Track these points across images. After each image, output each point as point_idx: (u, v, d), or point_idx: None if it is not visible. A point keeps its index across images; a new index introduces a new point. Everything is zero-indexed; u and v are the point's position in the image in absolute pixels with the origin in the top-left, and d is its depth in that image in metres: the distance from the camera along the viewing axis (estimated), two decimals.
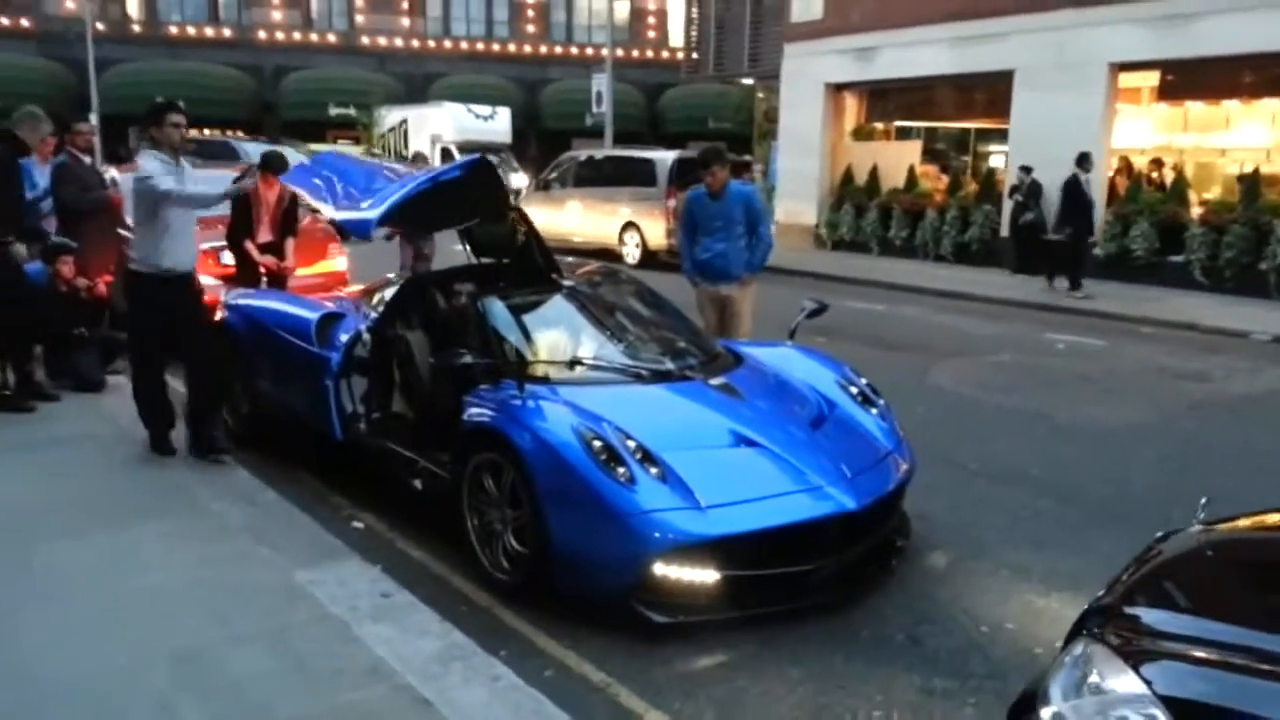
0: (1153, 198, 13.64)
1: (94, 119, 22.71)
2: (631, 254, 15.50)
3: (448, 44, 34.68)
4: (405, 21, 34.28)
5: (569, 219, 16.44)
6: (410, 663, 3.21)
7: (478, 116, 26.83)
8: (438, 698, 3.01)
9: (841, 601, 3.86)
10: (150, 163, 4.94)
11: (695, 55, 22.77)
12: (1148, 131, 14.89)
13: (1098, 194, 13.25)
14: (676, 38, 32.84)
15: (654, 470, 3.68)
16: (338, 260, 8.82)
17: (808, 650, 3.56)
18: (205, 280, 5.71)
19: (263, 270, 7.26)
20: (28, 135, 6.14)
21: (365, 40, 33.69)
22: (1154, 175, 14.42)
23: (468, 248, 5.71)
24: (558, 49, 35.78)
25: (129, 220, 7.65)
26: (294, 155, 15.43)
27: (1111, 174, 14.34)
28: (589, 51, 34.04)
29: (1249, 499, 3.08)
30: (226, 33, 32.71)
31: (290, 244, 7.43)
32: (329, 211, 5.11)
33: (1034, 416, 6.96)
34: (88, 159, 7.50)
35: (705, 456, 3.88)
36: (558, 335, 4.74)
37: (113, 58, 29.32)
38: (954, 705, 3.25)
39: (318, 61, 32.50)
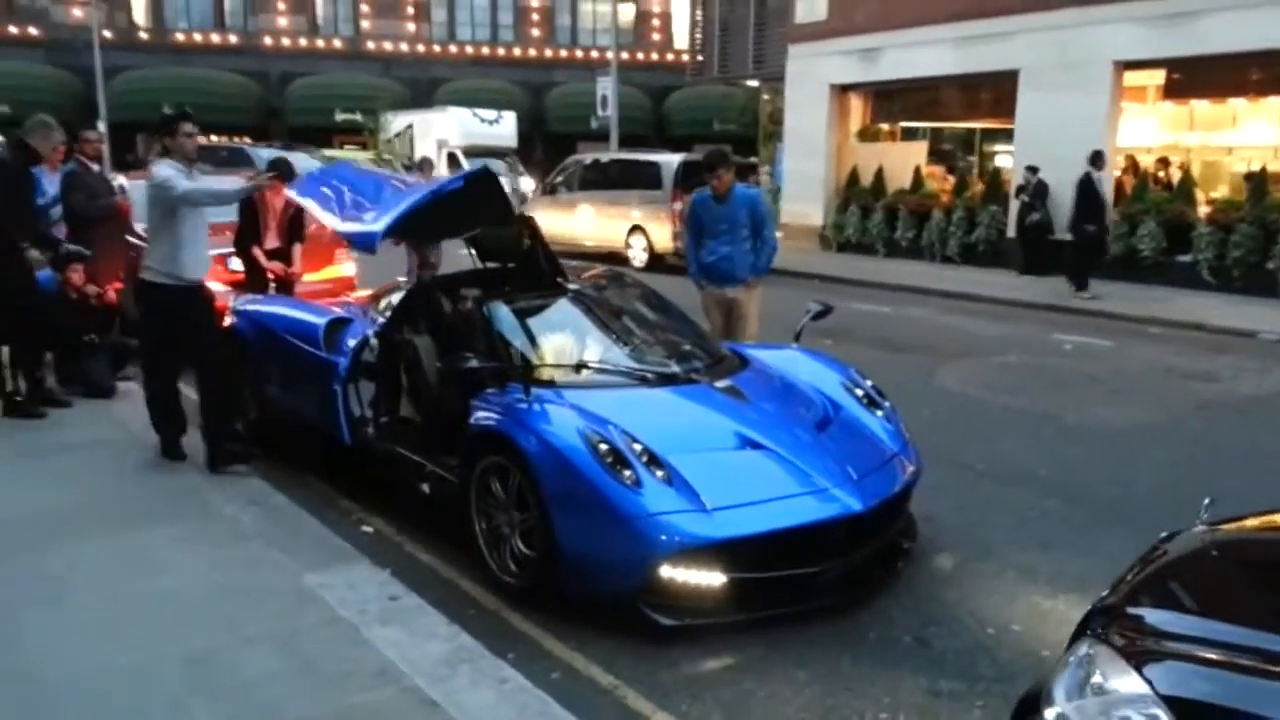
0: (1159, 197, 13.61)
1: (102, 126, 22.84)
2: (638, 257, 15.53)
3: (453, 49, 34.74)
4: (410, 26, 34.37)
5: (575, 222, 16.47)
6: (418, 665, 3.24)
7: (483, 121, 26.85)
8: (445, 699, 3.03)
9: (848, 604, 3.87)
10: (165, 169, 4.98)
11: (700, 57, 22.80)
12: (1154, 130, 14.86)
13: (1105, 193, 13.22)
14: (681, 40, 32.85)
15: (660, 473, 3.69)
16: (345, 266, 8.86)
17: (814, 652, 3.57)
18: (214, 286, 5.75)
19: (270, 276, 7.30)
20: (40, 144, 6.20)
21: (370, 45, 33.78)
22: (1160, 174, 14.40)
23: (473, 252, 5.74)
24: (563, 53, 35.82)
25: (138, 227, 7.73)
26: (308, 161, 15.53)
27: (1118, 173, 14.31)
28: (594, 55, 34.07)
29: (1257, 499, 3.08)
30: (233, 39, 32.84)
31: (298, 250, 7.48)
32: (334, 224, 5.12)
33: (1041, 417, 6.95)
34: (96, 167, 7.56)
35: (711, 459, 3.89)
36: (563, 339, 4.76)
37: (120, 65, 29.45)
38: (961, 707, 3.25)
39: (324, 67, 32.60)
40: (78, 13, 29.86)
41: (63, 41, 29.90)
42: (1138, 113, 14.60)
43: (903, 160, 17.06)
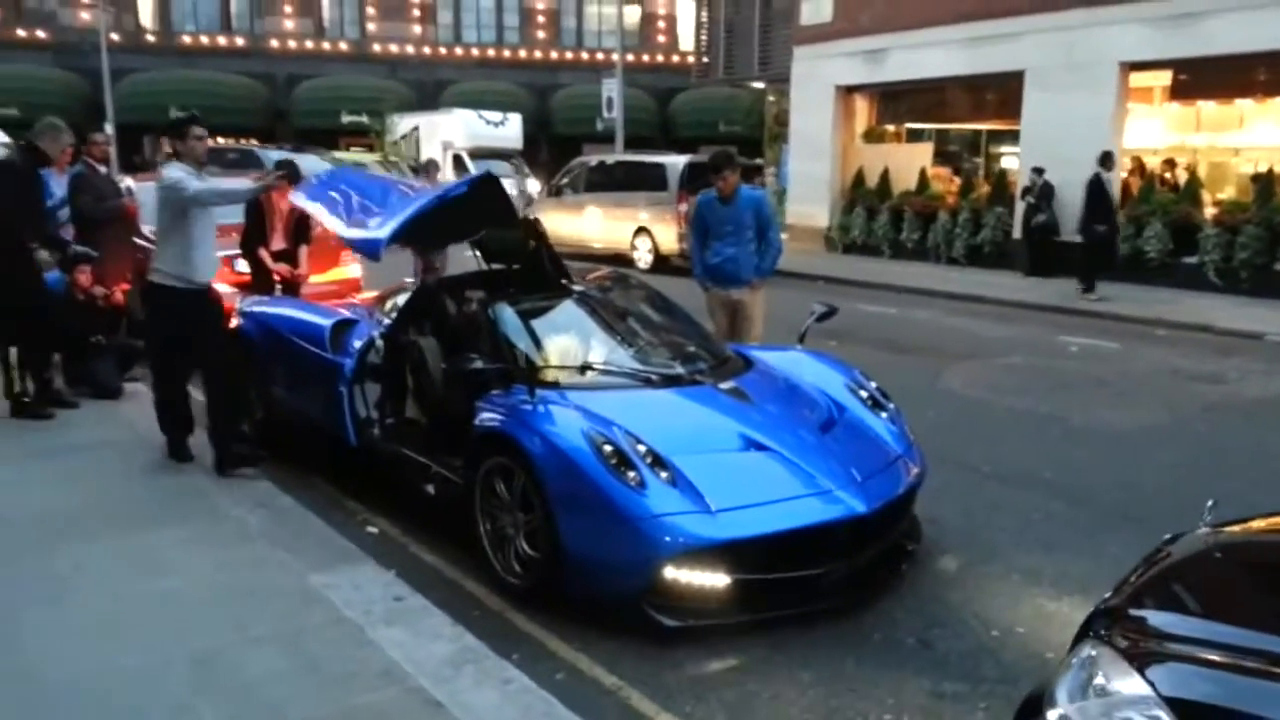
0: (1166, 198, 13.56)
1: (109, 129, 22.95)
2: (643, 259, 15.54)
3: (459, 51, 34.82)
4: (416, 29, 34.45)
5: (581, 224, 16.50)
6: (423, 665, 3.25)
7: (489, 123, 26.90)
8: (449, 700, 3.04)
9: (852, 605, 3.87)
10: (175, 171, 5.01)
11: (705, 59, 22.82)
12: (1160, 131, 14.82)
13: (1114, 195, 13.20)
14: (686, 42, 32.91)
15: (664, 474, 3.70)
16: (351, 267, 8.88)
17: (818, 654, 3.57)
18: (220, 288, 5.77)
19: (277, 278, 7.32)
20: (49, 146, 6.24)
21: (377, 48, 33.87)
22: (1167, 176, 14.35)
23: (478, 254, 5.76)
24: (568, 55, 35.87)
25: (145, 229, 7.77)
26: (318, 164, 15.56)
27: (1124, 175, 14.28)
28: (599, 57, 34.12)
29: (1262, 502, 3.09)
30: (239, 42, 32.96)
31: (304, 251, 7.50)
32: (339, 229, 5.14)
33: (1046, 419, 6.94)
34: (103, 169, 7.60)
35: (715, 460, 3.90)
36: (568, 340, 4.77)
37: (127, 67, 29.59)
38: (965, 709, 3.25)
39: (330, 69, 32.70)
40: (85, 16, 30.00)
41: (70, 44, 30.06)
42: (1144, 114, 14.56)
43: (908, 161, 17.05)
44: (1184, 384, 8.21)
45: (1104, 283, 12.43)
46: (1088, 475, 5.67)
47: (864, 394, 4.70)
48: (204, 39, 32.70)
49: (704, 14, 22.62)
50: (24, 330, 6.05)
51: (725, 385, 4.53)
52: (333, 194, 5.50)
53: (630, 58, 27.46)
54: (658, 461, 3.74)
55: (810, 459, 3.99)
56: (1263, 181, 12.68)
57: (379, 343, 5.19)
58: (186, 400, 5.41)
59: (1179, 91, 14.25)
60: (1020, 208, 14.68)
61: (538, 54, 35.42)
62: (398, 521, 4.81)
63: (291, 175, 7.20)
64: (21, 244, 5.86)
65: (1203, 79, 13.75)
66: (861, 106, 18.24)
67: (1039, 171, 14.04)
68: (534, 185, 23.33)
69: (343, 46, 33.84)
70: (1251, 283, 12.34)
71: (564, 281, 5.34)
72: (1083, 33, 13.85)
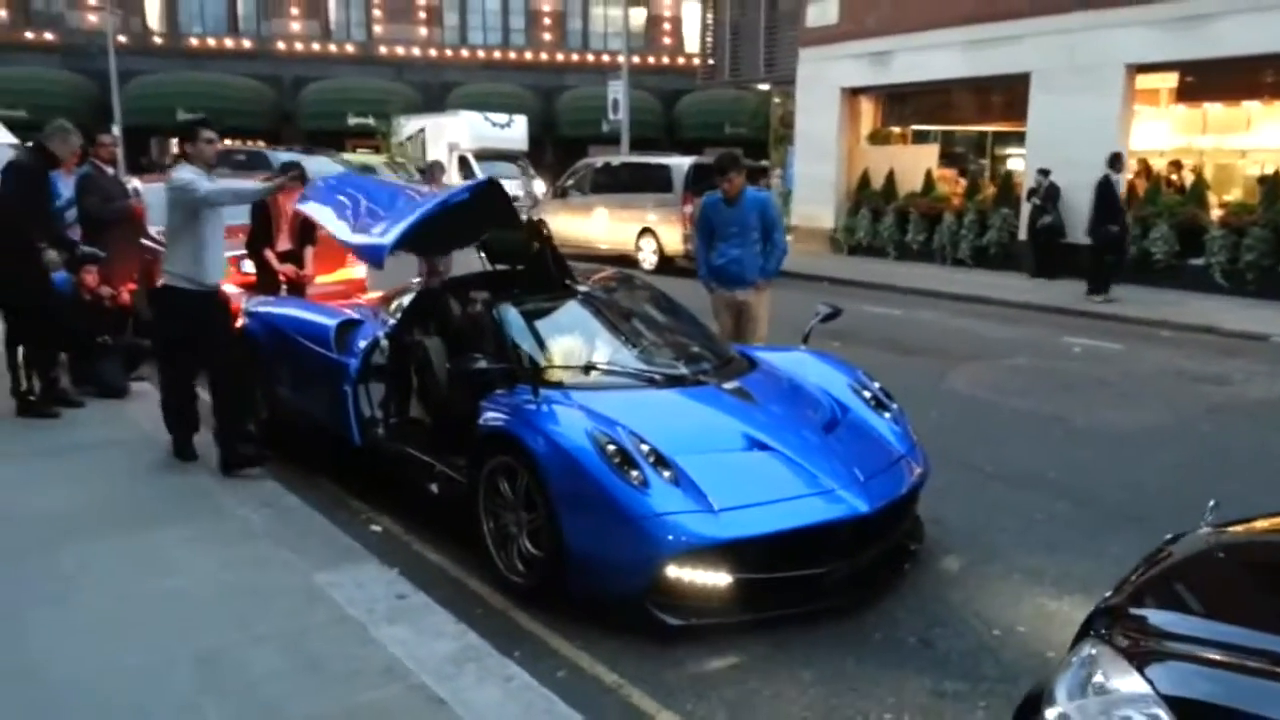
0: (1172, 200, 13.55)
1: (116, 130, 23.01)
2: (648, 260, 15.55)
3: (465, 53, 34.90)
4: (423, 31, 34.53)
5: (586, 225, 16.51)
6: (425, 663, 3.26)
7: (494, 124, 26.96)
8: (452, 697, 3.05)
9: (854, 605, 3.87)
10: (186, 173, 5.03)
11: (711, 61, 22.83)
12: (1166, 133, 14.79)
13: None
14: (692, 44, 32.93)
15: (667, 473, 3.71)
16: (356, 268, 8.90)
17: (819, 653, 3.58)
18: (226, 288, 5.80)
19: (282, 278, 7.35)
20: (58, 148, 6.27)
21: (383, 50, 33.96)
22: (1173, 177, 14.32)
23: (483, 255, 5.77)
24: (574, 57, 35.94)
25: (152, 230, 7.80)
26: (329, 166, 15.60)
27: (1131, 176, 14.25)
28: (605, 59, 34.16)
29: (1264, 503, 3.08)
30: (246, 44, 33.08)
31: (309, 252, 7.52)
32: (345, 235, 5.15)
33: (1050, 420, 6.94)
34: (111, 170, 7.63)
35: (718, 460, 3.91)
36: (572, 340, 4.78)
37: (134, 69, 29.70)
38: (965, 708, 3.26)
39: (336, 71, 32.80)
40: (93, 18, 30.16)
41: (78, 46, 30.19)
42: (1150, 116, 14.54)
43: (914, 163, 17.04)
44: (1188, 385, 8.19)
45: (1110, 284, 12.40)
46: (1091, 476, 5.66)
47: (867, 394, 4.71)
48: (211, 41, 32.82)
49: (709, 16, 22.64)
50: (31, 329, 6.09)
51: (729, 385, 4.54)
52: (340, 198, 5.52)
53: (636, 60, 27.48)
54: (661, 461, 3.75)
55: (813, 459, 3.99)
56: (1269, 183, 12.65)
57: (384, 343, 5.21)
58: (194, 400, 5.43)
59: (1185, 93, 14.23)
60: (1026, 209, 14.67)
61: (543, 56, 35.49)
62: (401, 520, 4.82)
63: (302, 176, 7.21)
64: (30, 244, 5.89)
65: (1209, 81, 13.72)
66: (867, 108, 18.24)
67: (1045, 173, 14.03)
68: (539, 187, 23.36)
69: (349, 48, 33.94)
70: (1258, 284, 12.31)
71: (568, 282, 5.36)
72: (1085, 35, 13.84)
